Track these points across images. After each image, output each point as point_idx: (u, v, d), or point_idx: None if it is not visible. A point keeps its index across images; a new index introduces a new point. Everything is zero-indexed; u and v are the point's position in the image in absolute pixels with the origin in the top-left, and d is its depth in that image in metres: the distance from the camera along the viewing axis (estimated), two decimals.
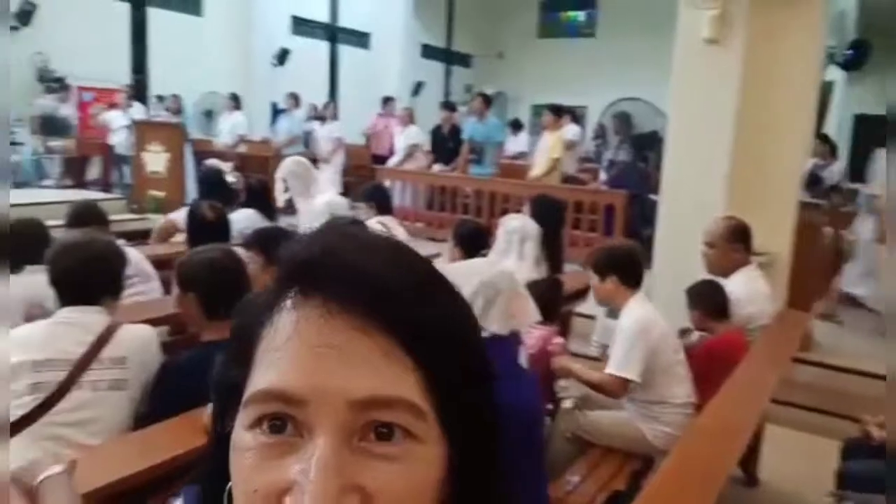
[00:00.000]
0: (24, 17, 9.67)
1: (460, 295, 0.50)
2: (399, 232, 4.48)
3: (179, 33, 11.80)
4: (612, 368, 2.79)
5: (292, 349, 0.43)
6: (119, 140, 8.66)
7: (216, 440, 0.48)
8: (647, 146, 7.76)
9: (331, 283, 0.43)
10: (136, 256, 3.03)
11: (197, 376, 1.85)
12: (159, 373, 2.10)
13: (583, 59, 16.02)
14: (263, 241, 2.67)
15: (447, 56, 17.23)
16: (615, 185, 7.08)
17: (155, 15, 11.69)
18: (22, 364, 1.91)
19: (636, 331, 2.78)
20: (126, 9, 11.34)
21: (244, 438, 0.43)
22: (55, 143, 8.75)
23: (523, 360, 2.34)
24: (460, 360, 0.46)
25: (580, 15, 17.31)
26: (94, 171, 8.91)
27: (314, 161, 6.37)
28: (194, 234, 3.22)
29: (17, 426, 1.88)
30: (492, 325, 2.25)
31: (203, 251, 2.34)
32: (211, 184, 4.54)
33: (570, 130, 8.36)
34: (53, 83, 10.00)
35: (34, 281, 2.38)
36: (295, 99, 9.95)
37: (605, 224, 6.74)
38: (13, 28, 9.53)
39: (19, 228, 2.61)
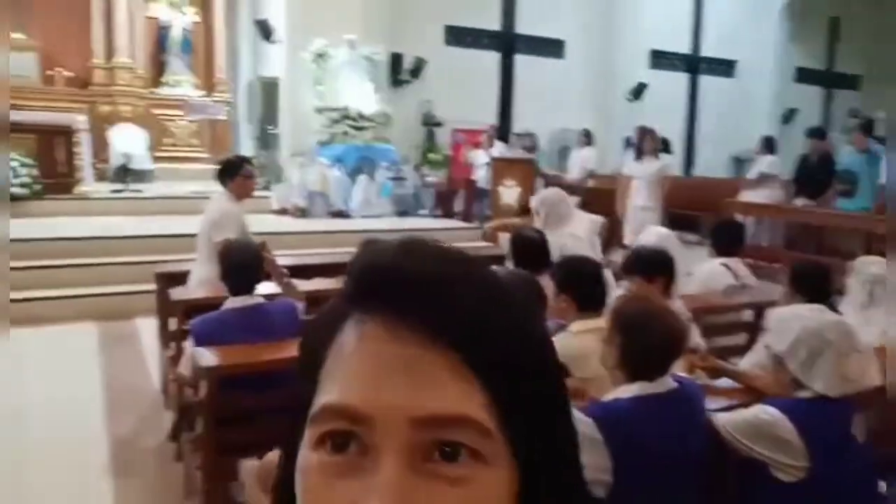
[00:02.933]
0: (416, 72, 11.34)
1: (534, 312, 0.48)
2: (744, 274, 4.08)
3: (541, 76, 12.62)
4: None
5: (355, 365, 0.42)
6: (481, 175, 9.54)
7: (286, 462, 0.47)
8: None
9: (394, 298, 0.43)
10: None
11: None
12: None
13: None
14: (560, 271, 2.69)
15: (827, 79, 15.34)
16: None
17: (521, 61, 12.74)
18: None
19: None
20: (496, 58, 12.59)
21: (309, 458, 0.43)
22: (430, 178, 10.03)
23: (858, 429, 1.92)
24: (530, 380, 0.44)
25: None
26: (459, 204, 9.97)
27: None
28: (519, 256, 3.37)
29: None
30: (815, 382, 1.90)
31: (503, 273, 2.43)
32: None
33: None
34: (434, 126, 11.53)
35: None
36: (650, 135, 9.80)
37: None
38: (406, 81, 11.26)
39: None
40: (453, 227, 8.78)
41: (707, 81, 14.44)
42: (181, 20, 10.91)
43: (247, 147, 11.24)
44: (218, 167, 4.33)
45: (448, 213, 9.76)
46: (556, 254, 3.38)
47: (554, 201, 4.23)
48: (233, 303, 2.84)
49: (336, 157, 9.13)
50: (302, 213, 8.59)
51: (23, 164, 7.32)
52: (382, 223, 8.24)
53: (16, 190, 7.19)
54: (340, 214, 8.75)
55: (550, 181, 10.33)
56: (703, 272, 4.10)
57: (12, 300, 5.37)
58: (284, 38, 9.89)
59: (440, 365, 0.41)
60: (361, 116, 9.78)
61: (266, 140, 10.30)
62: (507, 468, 0.43)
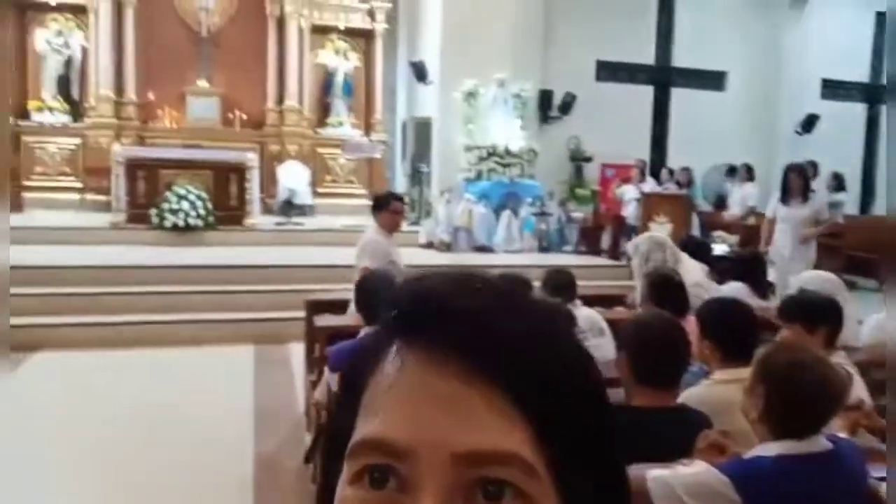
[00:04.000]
0: (565, 107, 11.31)
1: (582, 347, 0.45)
2: None
3: (698, 108, 12.11)
4: None
5: (395, 398, 0.41)
6: (630, 211, 9.27)
7: (325, 495, 0.46)
8: None
9: (438, 329, 0.41)
10: (588, 314, 3.21)
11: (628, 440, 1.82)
12: None
13: None
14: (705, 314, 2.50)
15: None
16: None
17: (676, 94, 12.32)
18: None
19: None
20: (650, 91, 12.27)
21: (346, 494, 0.42)
22: (576, 213, 9.88)
23: None
24: (577, 416, 0.42)
25: None
26: (606, 240, 9.72)
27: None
28: (658, 296, 3.21)
29: None
30: None
31: (645, 314, 2.31)
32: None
33: None
34: (582, 161, 11.40)
35: None
36: (814, 167, 9.07)
37: None
38: (555, 117, 11.25)
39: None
40: (599, 265, 8.55)
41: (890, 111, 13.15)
42: (345, 66, 11.67)
43: (400, 184, 11.72)
44: (371, 202, 4.62)
45: (594, 250, 9.53)
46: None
47: (648, 248, 4.04)
48: (368, 331, 2.93)
49: (482, 194, 9.27)
50: (447, 247, 8.78)
51: (199, 198, 8.09)
52: (524, 258, 8.21)
53: (192, 221, 7.96)
54: (484, 249, 8.83)
55: (706, 218, 9.83)
56: (875, 322, 3.67)
57: (182, 322, 5.91)
58: (437, 78, 10.27)
59: (484, 400, 0.40)
60: (508, 153, 9.89)
61: (418, 177, 10.68)
62: None
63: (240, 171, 8.75)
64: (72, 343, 5.62)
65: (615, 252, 9.29)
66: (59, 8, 10.20)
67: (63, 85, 10.30)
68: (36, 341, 5.49)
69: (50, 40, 10.17)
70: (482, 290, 0.44)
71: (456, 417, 0.39)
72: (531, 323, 0.43)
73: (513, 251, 8.75)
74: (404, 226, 9.21)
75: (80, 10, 10.21)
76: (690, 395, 2.26)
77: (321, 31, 11.37)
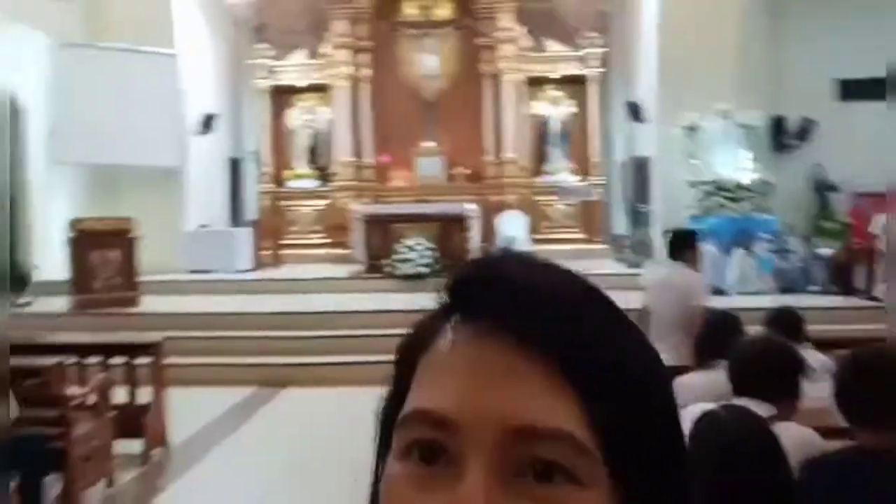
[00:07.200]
0: (802, 134, 10.32)
1: (638, 328, 0.44)
2: None
3: None
4: None
5: (447, 369, 0.41)
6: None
7: (376, 478, 0.45)
8: None
9: (492, 303, 0.41)
10: (820, 359, 2.88)
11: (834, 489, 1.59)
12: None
13: None
14: None
15: None
16: None
17: None
18: None
19: None
20: None
21: (394, 469, 0.41)
22: (822, 249, 8.87)
23: None
24: (633, 396, 0.40)
25: None
26: (860, 279, 8.57)
27: None
28: None
29: None
30: None
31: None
32: None
33: None
34: (828, 191, 10.25)
35: (717, 378, 2.51)
36: None
37: None
38: (791, 146, 10.29)
39: (714, 322, 2.82)
40: (853, 307, 7.56)
41: None
42: (559, 113, 11.85)
43: (620, 225, 11.47)
44: (673, 241, 4.46)
45: (846, 290, 8.45)
46: None
47: None
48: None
49: (710, 231, 8.72)
50: None
51: (427, 248, 8.64)
52: (763, 301, 7.51)
53: (420, 269, 8.50)
54: (715, 292, 8.24)
55: None
56: None
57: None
58: (654, 116, 9.99)
59: (536, 375, 0.39)
60: (739, 187, 9.23)
61: (637, 217, 10.38)
62: (606, 491, 0.39)
63: (461, 221, 9.20)
64: (320, 381, 6.25)
65: (870, 293, 8.16)
66: (307, 89, 11.73)
67: (312, 154, 11.77)
68: (285, 379, 6.20)
69: (300, 117, 11.73)
70: (538, 267, 0.44)
71: (508, 391, 0.38)
72: (589, 302, 0.42)
73: (749, 293, 8.05)
74: (624, 268, 9.03)
75: (322, 89, 11.66)
76: None
77: (535, 82, 11.70)
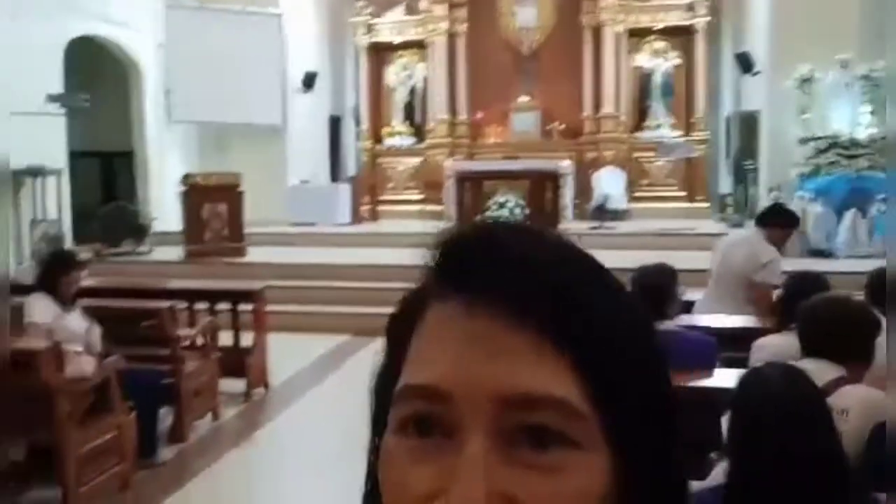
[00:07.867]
0: None
1: (630, 293, 0.44)
2: None
3: None
4: None
5: (437, 343, 0.41)
6: None
7: (373, 453, 0.45)
8: None
9: (477, 273, 0.40)
10: None
11: None
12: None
13: None
14: None
15: None
16: None
17: None
18: None
19: None
20: None
21: (391, 443, 0.41)
22: None
23: None
24: (625, 361, 0.40)
25: None
26: None
27: None
28: None
29: None
30: None
31: None
32: None
33: None
34: None
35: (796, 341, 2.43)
36: None
37: None
38: None
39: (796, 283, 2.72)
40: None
41: None
42: (663, 66, 11.35)
43: (725, 183, 10.98)
44: (763, 214, 4.25)
45: None
46: None
47: None
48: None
49: (820, 190, 8.21)
50: None
51: (517, 205, 8.63)
52: (873, 265, 7.03)
53: None
54: (821, 254, 7.81)
55: None
56: None
57: None
58: (766, 67, 9.40)
59: (526, 342, 0.39)
60: (854, 143, 8.60)
61: (743, 175, 9.90)
62: (603, 455, 0.40)
63: (554, 178, 9.10)
64: None
65: None
66: (405, 46, 11.80)
67: (408, 111, 11.90)
68: (378, 328, 6.42)
69: (398, 74, 11.85)
70: (523, 234, 0.43)
71: (500, 359, 0.38)
72: (577, 267, 0.42)
73: (857, 256, 7.57)
74: (725, 228, 8.67)
75: (420, 46, 11.68)
76: None
77: (638, 33, 11.24)
